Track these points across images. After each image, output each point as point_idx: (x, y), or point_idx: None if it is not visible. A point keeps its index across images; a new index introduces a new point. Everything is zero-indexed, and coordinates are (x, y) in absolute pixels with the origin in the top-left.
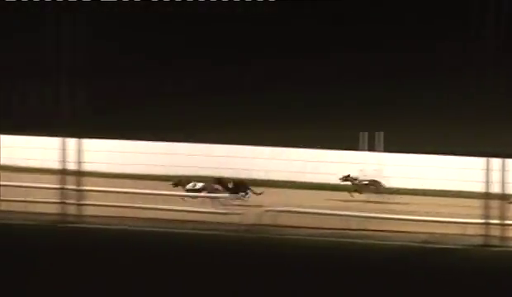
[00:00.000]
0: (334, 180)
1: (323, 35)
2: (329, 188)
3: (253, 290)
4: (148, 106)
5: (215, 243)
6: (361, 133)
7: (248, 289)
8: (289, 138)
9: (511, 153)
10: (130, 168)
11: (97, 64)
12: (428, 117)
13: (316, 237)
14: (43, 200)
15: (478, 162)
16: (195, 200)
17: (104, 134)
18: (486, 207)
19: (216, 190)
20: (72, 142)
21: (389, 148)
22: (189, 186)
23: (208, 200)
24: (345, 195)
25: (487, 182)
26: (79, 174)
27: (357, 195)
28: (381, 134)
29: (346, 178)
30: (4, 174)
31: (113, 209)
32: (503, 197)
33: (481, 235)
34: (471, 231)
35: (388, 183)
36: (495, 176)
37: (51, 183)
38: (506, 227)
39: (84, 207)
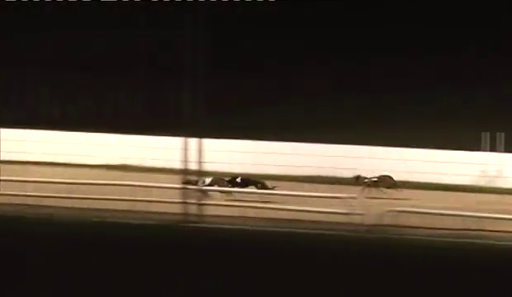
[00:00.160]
0: (461, 181)
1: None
2: (460, 189)
3: (370, 289)
4: (269, 107)
5: (335, 243)
6: (483, 133)
7: (365, 288)
8: (413, 138)
9: None
10: (252, 168)
11: (220, 64)
12: None
13: (442, 237)
14: (165, 200)
15: None
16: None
17: (226, 135)
18: None
19: (226, 186)
20: (193, 142)
21: (510, 148)
22: (199, 182)
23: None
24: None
25: None
26: (200, 174)
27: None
28: (502, 134)
29: (357, 178)
30: (131, 174)
31: (234, 208)
32: None
33: None
34: None
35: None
36: None
37: (173, 183)
38: None
39: (205, 207)
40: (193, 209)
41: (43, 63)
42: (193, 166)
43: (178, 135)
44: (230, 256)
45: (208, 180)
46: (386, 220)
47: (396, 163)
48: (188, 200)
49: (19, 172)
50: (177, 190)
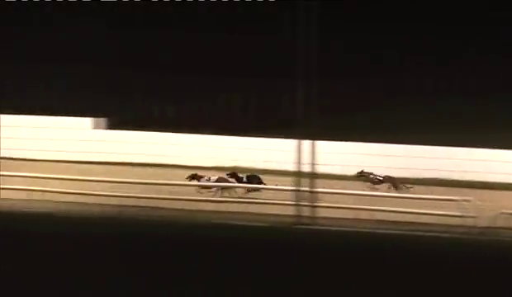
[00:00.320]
0: None
1: None
2: None
3: (484, 291)
4: (384, 108)
5: (448, 246)
6: None
7: (479, 290)
8: None
9: None
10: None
11: (333, 65)
12: None
13: None
14: (278, 202)
15: None
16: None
17: (338, 136)
18: None
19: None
20: (306, 144)
21: None
22: (203, 179)
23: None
24: None
25: None
26: (313, 176)
27: None
28: None
29: (360, 174)
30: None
31: (347, 210)
32: None
33: None
34: None
35: None
36: None
37: (286, 185)
38: None
39: (318, 209)
40: (306, 211)
41: (161, 67)
42: (306, 168)
43: (291, 137)
44: (343, 258)
45: (214, 178)
46: (499, 222)
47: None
48: (302, 203)
49: (126, 174)
50: (289, 193)
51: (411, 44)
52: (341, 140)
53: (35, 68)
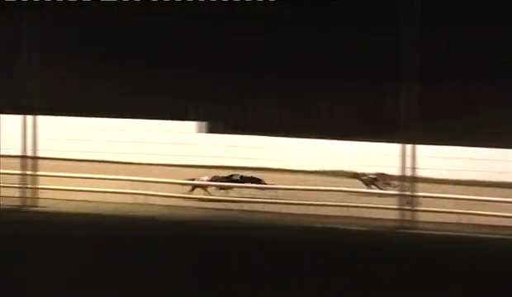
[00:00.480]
0: None
1: None
2: None
3: None
4: (492, 112)
5: (501, 247)
6: None
7: None
8: None
9: None
10: (467, 174)
11: (439, 69)
12: None
13: None
14: (376, 206)
15: None
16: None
17: (437, 140)
18: None
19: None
20: (408, 148)
21: None
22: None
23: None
24: None
25: None
26: (414, 180)
27: None
28: None
29: (355, 175)
30: (343, 180)
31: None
32: None
33: None
34: None
35: None
36: None
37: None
38: None
39: (419, 213)
40: (407, 215)
41: (267, 72)
42: (408, 172)
43: (393, 142)
44: (445, 262)
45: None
46: None
47: None
48: (404, 207)
49: None
50: (393, 197)
51: None
52: (444, 144)
53: (140, 72)
